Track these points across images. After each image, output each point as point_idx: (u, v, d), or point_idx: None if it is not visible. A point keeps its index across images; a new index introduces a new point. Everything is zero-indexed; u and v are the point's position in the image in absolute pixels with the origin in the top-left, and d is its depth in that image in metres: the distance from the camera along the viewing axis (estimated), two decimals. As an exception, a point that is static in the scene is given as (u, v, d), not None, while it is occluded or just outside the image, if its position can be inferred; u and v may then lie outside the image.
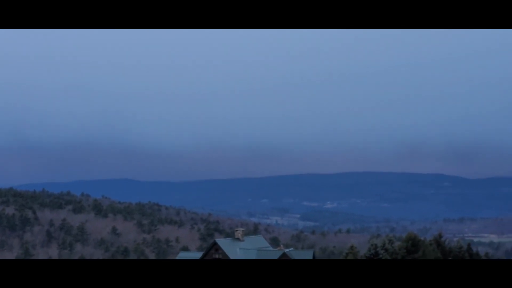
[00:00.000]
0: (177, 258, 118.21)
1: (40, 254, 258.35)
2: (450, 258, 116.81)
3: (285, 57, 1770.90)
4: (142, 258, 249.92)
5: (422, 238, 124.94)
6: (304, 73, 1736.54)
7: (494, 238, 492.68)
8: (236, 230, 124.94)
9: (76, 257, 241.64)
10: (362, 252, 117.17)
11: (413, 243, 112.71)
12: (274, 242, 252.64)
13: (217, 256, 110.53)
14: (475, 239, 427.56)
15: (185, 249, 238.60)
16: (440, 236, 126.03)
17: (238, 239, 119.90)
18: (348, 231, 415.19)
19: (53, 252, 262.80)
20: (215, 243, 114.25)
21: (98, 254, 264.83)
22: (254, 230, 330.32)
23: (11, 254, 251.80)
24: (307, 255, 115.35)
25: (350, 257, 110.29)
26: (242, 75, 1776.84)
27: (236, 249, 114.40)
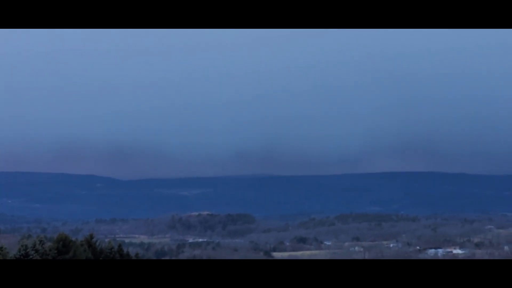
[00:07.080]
0: None
1: None
2: (101, 259, 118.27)
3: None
4: None
5: (73, 239, 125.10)
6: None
7: (144, 238, 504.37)
8: None
9: None
10: (12, 253, 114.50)
11: (64, 243, 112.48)
12: None
13: None
14: (126, 240, 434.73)
15: None
16: (91, 237, 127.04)
17: None
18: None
19: None
20: None
21: None
22: None
23: None
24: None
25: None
26: None
27: None
